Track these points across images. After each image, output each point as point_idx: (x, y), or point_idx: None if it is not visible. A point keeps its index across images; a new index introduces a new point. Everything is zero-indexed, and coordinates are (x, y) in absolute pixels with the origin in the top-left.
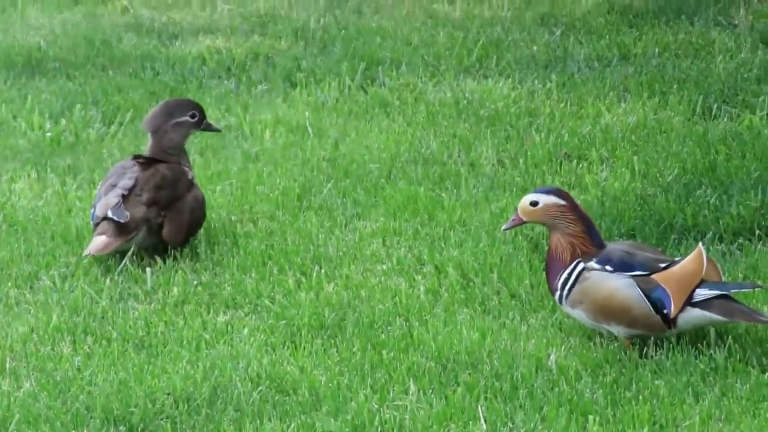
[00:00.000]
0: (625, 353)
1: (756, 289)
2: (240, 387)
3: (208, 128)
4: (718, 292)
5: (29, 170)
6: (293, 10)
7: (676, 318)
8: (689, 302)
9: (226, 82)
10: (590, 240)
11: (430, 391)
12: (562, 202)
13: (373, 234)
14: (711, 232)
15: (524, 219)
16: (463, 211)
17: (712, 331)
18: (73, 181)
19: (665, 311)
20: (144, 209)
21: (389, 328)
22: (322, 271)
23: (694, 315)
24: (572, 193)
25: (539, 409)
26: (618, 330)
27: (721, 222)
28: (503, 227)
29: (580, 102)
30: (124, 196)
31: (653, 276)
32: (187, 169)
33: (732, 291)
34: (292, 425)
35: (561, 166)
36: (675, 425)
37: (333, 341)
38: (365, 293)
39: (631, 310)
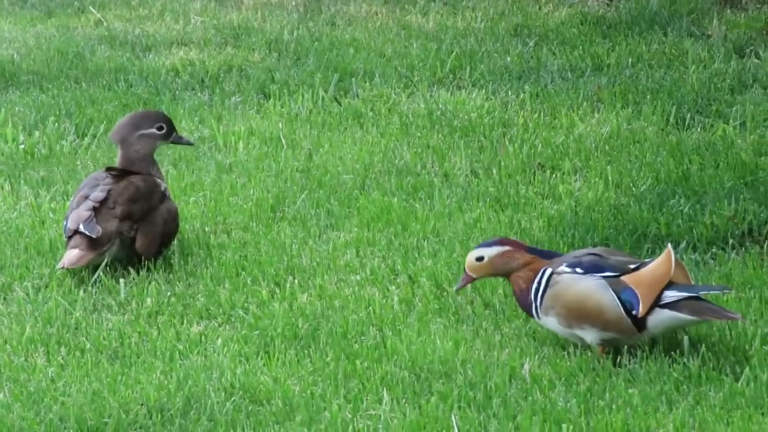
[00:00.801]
0: (599, 362)
1: (725, 292)
2: (213, 397)
3: (179, 141)
4: (687, 294)
5: (2, 182)
6: (266, 22)
7: (645, 320)
8: (658, 304)
9: (199, 94)
10: (542, 260)
11: (404, 400)
12: (506, 249)
13: (346, 244)
14: (685, 242)
15: (474, 276)
16: (437, 221)
17: (686, 339)
18: (46, 193)
19: (634, 312)
20: (117, 222)
21: (363, 338)
22: (296, 281)
23: (664, 316)
24: (545, 204)
25: (513, 418)
26: (591, 334)
27: (694, 231)
28: (455, 288)
29: (553, 112)
30: (95, 209)
31: (623, 277)
32: (159, 180)
33: (701, 293)
34: None
35: (534, 176)
36: None
37: (307, 351)
38: (339, 303)
39: (604, 312)
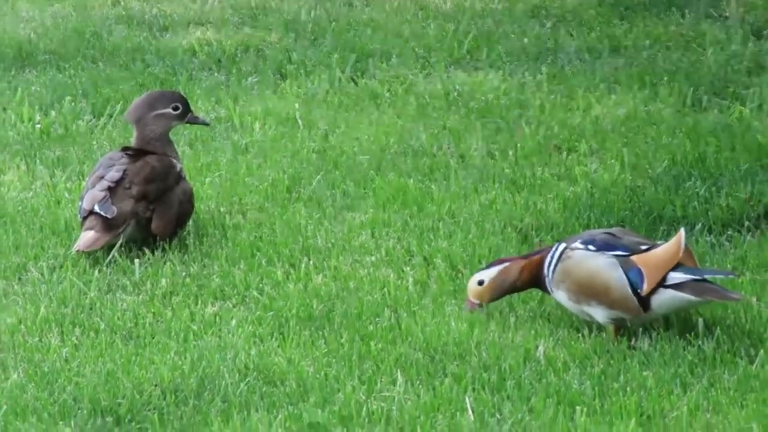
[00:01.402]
0: (613, 344)
1: (730, 277)
2: (227, 378)
3: (194, 121)
4: (691, 277)
5: (18, 162)
6: (284, 2)
7: (649, 300)
8: (662, 284)
9: (216, 74)
10: (538, 255)
11: (418, 382)
12: (504, 265)
13: (362, 225)
14: (700, 224)
15: (477, 302)
16: (453, 202)
17: (701, 321)
18: (62, 173)
19: (638, 290)
20: (132, 203)
21: (377, 319)
22: (311, 262)
23: (666, 296)
24: (561, 186)
25: (527, 400)
26: (598, 312)
27: (710, 213)
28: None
29: (570, 94)
30: (111, 189)
31: (632, 257)
32: (175, 161)
33: (706, 276)
34: (280, 416)
35: (551, 157)
36: (663, 416)
37: (321, 332)
38: (354, 284)
39: (612, 290)
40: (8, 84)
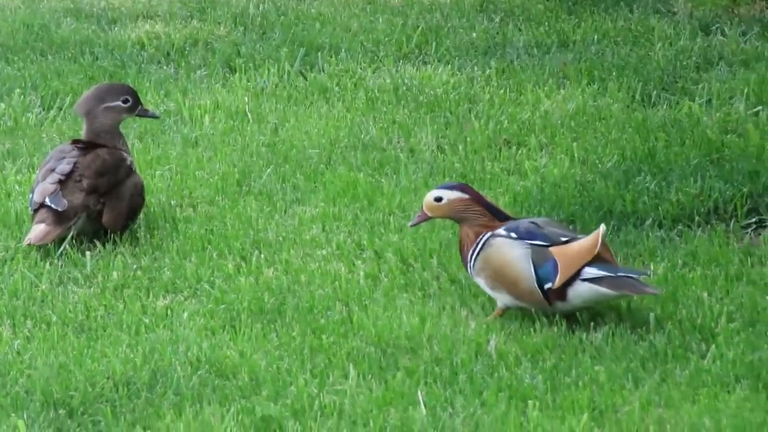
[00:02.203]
0: (490, 320)
1: (642, 276)
2: (180, 371)
3: (144, 114)
4: (605, 274)
5: None
6: None
7: (566, 292)
8: (578, 278)
9: (165, 67)
10: (495, 219)
11: (370, 375)
12: (466, 196)
13: (312, 219)
14: (650, 219)
15: (429, 215)
16: (403, 196)
17: (652, 316)
18: (12, 166)
19: (548, 285)
20: (83, 196)
21: (329, 312)
22: (262, 255)
23: (583, 289)
24: (511, 180)
25: (479, 394)
26: (506, 299)
27: (660, 208)
28: (410, 223)
29: (519, 88)
30: (61, 182)
31: (551, 248)
32: (125, 154)
33: (619, 274)
34: (232, 409)
35: (500, 152)
36: (615, 411)
37: (273, 326)
38: (305, 278)
39: (519, 283)
40: None
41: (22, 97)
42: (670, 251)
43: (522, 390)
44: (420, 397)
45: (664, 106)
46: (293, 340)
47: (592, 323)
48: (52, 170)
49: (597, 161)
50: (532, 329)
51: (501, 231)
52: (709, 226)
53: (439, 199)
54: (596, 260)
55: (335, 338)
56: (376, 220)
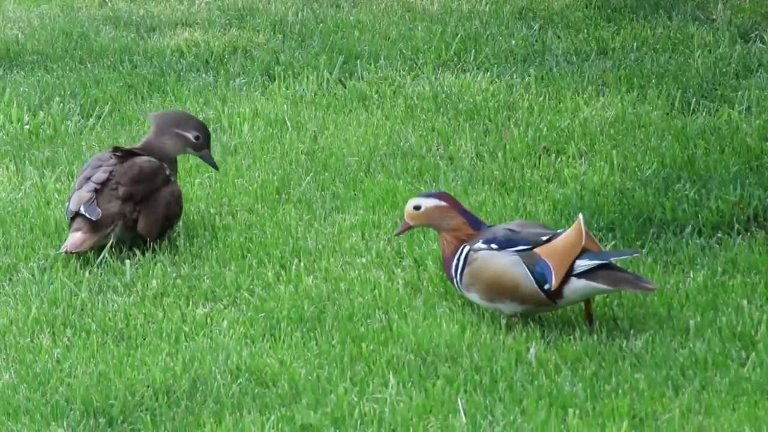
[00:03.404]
0: (508, 326)
1: (635, 256)
2: (219, 379)
3: (206, 158)
4: (598, 262)
5: (8, 163)
6: (271, 3)
7: (561, 290)
8: (571, 273)
9: (204, 75)
10: (470, 227)
11: (410, 383)
12: (442, 204)
13: (352, 227)
14: (690, 226)
15: (411, 223)
16: None
17: (692, 323)
18: (51, 174)
19: (546, 286)
20: (119, 204)
21: (368, 321)
22: (302, 264)
23: (579, 285)
24: (550, 188)
25: (519, 402)
26: (511, 307)
27: (700, 216)
28: (395, 233)
29: (558, 96)
30: (97, 191)
31: (536, 250)
32: (166, 166)
33: (612, 259)
34: (272, 418)
35: (540, 159)
36: (655, 418)
37: (312, 334)
38: (344, 286)
39: (520, 287)
40: None
41: (62, 105)
42: (709, 259)
43: (562, 398)
44: (460, 405)
45: (704, 114)
46: (333, 349)
47: (632, 330)
48: (89, 178)
49: (636, 169)
50: (571, 337)
51: (480, 244)
52: (748, 233)
53: (417, 208)
54: (584, 250)
55: (375, 346)
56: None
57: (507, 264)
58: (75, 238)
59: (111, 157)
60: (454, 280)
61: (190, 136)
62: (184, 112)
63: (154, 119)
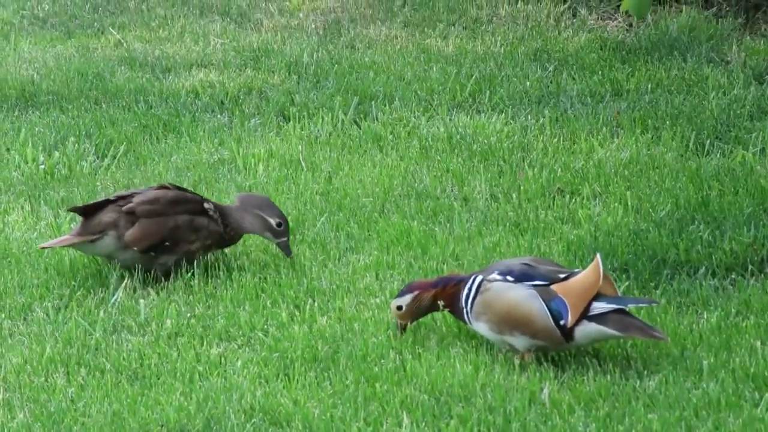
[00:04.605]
0: (522, 366)
1: (653, 305)
2: (233, 419)
3: (283, 246)
4: (615, 306)
5: (23, 202)
6: (286, 44)
7: (573, 331)
8: (586, 315)
9: (219, 115)
10: (445, 283)
11: (424, 424)
12: (414, 293)
13: (366, 267)
14: (704, 268)
15: (403, 322)
16: (456, 245)
17: (705, 363)
18: (66, 214)
19: (562, 322)
20: (115, 215)
21: (382, 361)
22: (316, 304)
23: (590, 329)
24: (564, 229)
25: None
26: (521, 341)
27: (714, 257)
28: (397, 335)
29: (572, 137)
30: (109, 201)
31: (552, 287)
32: (207, 205)
33: (629, 305)
34: None
35: (554, 201)
36: None
37: (326, 374)
38: (358, 326)
39: (534, 321)
40: (12, 124)
41: (77, 145)
42: (723, 300)
43: None
44: None
45: (718, 155)
46: (347, 389)
47: (645, 371)
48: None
49: (650, 210)
50: (585, 377)
51: (495, 275)
52: (762, 275)
53: (400, 308)
54: (600, 293)
55: (389, 386)
56: (429, 268)
57: (522, 296)
58: (59, 238)
59: (158, 188)
60: (464, 309)
61: (273, 222)
62: (268, 199)
63: (244, 199)
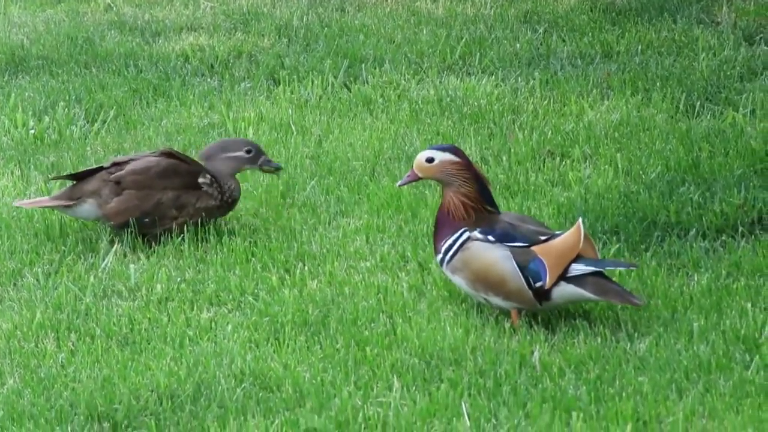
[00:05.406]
0: (515, 331)
1: (631, 268)
2: (224, 383)
3: (267, 164)
4: (593, 269)
5: (13, 168)
6: (276, 7)
7: (550, 291)
8: (564, 276)
9: (209, 79)
10: (482, 199)
11: (414, 387)
12: (457, 159)
13: (356, 231)
14: (694, 229)
15: (420, 175)
16: None
17: (696, 326)
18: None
19: (540, 283)
20: (99, 183)
21: (373, 324)
22: (306, 268)
23: (568, 290)
24: (555, 191)
25: (523, 405)
26: (496, 300)
27: (704, 219)
28: (398, 183)
29: (563, 99)
30: (102, 168)
31: (533, 248)
32: (204, 176)
33: (607, 268)
34: (276, 422)
35: (544, 163)
36: (659, 421)
37: (317, 338)
38: (349, 290)
39: (507, 283)
40: (1, 89)
41: (67, 110)
42: (714, 262)
43: (566, 401)
44: (464, 409)
45: (708, 117)
46: (337, 353)
47: (635, 333)
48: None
49: (641, 172)
50: (575, 340)
51: (477, 234)
52: (752, 236)
53: (430, 160)
54: (580, 255)
55: (379, 350)
56: (419, 231)
57: (497, 258)
58: (36, 198)
59: (158, 154)
60: (440, 256)
61: (242, 153)
62: (224, 139)
63: (202, 156)
